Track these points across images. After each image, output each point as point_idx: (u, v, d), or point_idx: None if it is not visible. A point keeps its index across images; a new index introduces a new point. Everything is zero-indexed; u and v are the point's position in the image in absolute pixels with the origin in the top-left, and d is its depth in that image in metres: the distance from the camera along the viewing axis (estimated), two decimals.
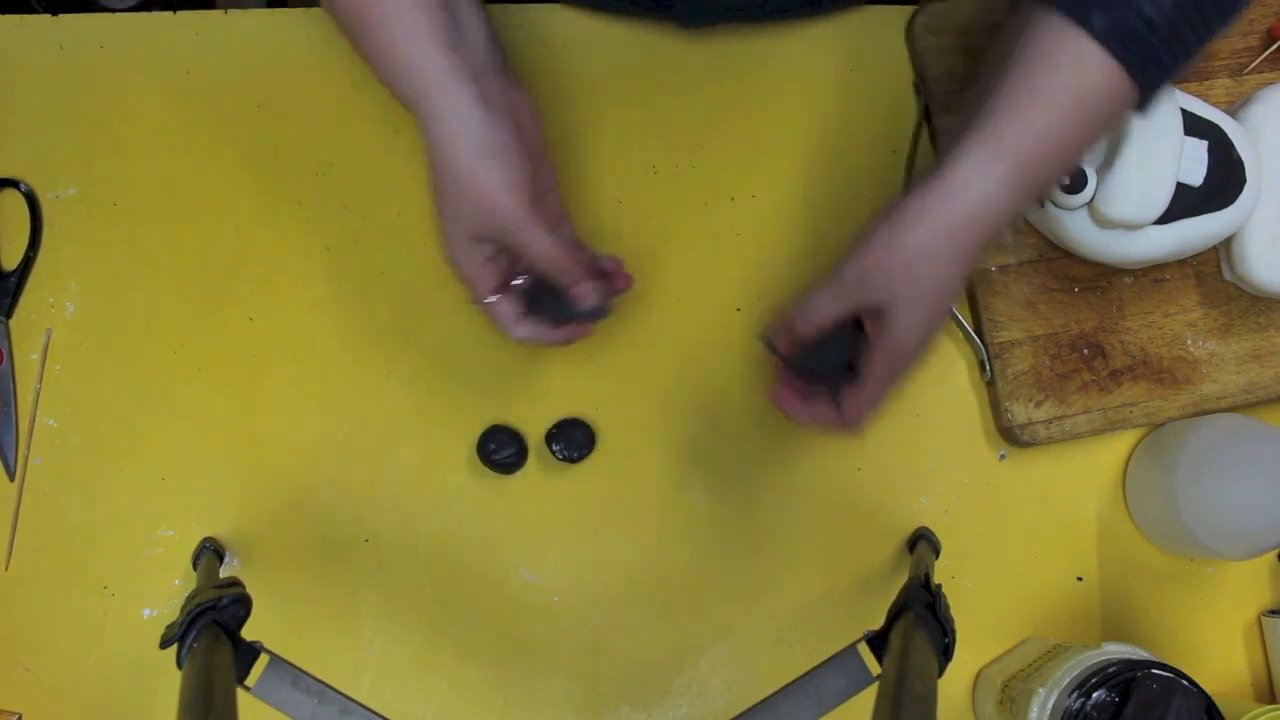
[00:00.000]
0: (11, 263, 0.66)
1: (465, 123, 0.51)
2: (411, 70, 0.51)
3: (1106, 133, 0.58)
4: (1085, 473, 0.68)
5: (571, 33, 0.70)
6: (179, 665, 0.47)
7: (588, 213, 0.68)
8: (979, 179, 0.50)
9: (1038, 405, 0.66)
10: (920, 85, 0.70)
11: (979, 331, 0.67)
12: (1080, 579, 0.67)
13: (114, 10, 0.73)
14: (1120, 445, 0.69)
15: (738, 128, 0.70)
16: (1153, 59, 0.49)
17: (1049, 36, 0.50)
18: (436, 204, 0.53)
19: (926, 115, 0.69)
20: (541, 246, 0.53)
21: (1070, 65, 0.50)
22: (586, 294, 0.56)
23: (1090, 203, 0.62)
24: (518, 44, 0.69)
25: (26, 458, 0.64)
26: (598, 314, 0.57)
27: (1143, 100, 0.51)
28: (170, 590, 0.64)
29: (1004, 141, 0.50)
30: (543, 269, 0.54)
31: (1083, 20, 0.49)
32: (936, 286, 0.51)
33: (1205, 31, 0.50)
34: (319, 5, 0.67)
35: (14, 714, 0.62)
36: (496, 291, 0.55)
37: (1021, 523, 0.67)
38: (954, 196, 0.50)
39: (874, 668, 0.51)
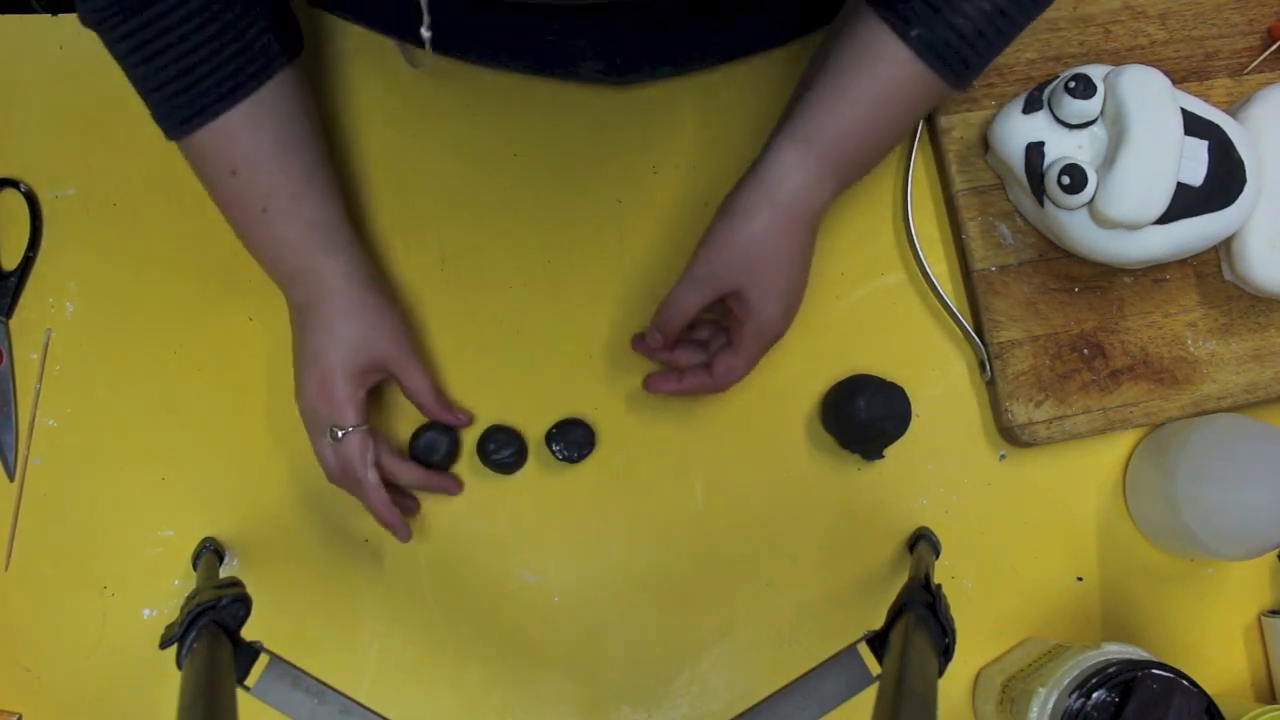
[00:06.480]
0: (11, 263, 0.66)
1: (358, 280, 0.59)
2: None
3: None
4: (1085, 473, 0.68)
5: None
6: (179, 665, 0.47)
7: (587, 214, 0.68)
8: (796, 174, 0.56)
9: (1038, 405, 0.66)
10: None
11: (979, 331, 0.67)
12: (1080, 579, 0.67)
13: None
14: (1120, 445, 0.69)
15: (738, 127, 0.69)
16: (963, 61, 0.55)
17: (870, 42, 0.55)
18: (316, 339, 0.58)
19: (926, 115, 0.69)
20: (419, 376, 0.61)
21: (886, 69, 0.55)
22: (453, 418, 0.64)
23: (1090, 203, 0.62)
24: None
25: (26, 458, 0.64)
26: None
27: (954, 88, 0.57)
28: (170, 590, 0.64)
29: (813, 142, 0.56)
30: (417, 397, 0.62)
31: (903, 33, 0.54)
32: (779, 265, 0.57)
33: (1012, 31, 0.55)
34: (318, 5, 0.68)
35: (14, 714, 0.62)
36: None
37: (1021, 523, 0.67)
38: (775, 189, 0.56)
39: (874, 668, 0.51)
